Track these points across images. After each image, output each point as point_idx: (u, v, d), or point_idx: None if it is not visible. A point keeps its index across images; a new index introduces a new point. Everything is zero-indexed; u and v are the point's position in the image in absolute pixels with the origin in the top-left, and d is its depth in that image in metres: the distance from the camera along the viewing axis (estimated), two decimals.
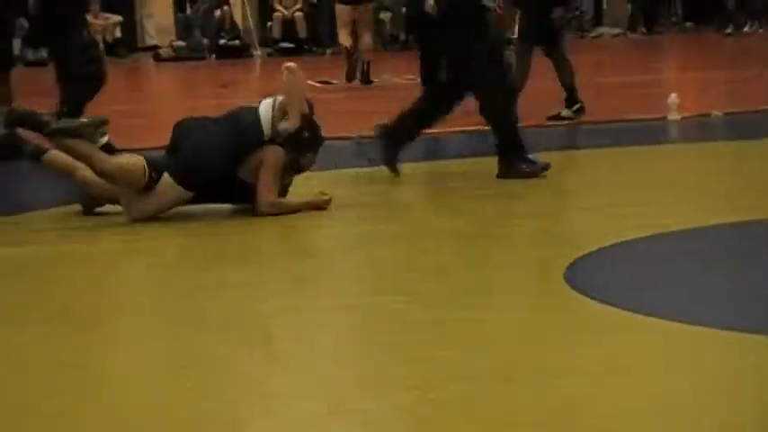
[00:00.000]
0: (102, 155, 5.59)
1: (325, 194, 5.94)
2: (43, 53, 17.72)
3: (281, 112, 5.85)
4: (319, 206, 5.89)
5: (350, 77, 12.78)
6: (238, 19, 18.97)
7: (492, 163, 6.63)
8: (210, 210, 5.88)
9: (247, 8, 19.01)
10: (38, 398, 3.34)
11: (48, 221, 5.85)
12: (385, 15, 17.93)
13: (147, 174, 5.60)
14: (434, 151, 8.10)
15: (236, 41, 18.44)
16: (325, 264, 5.01)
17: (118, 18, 18.70)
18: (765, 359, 3.43)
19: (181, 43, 18.52)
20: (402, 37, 17.96)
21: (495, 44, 6.79)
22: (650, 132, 8.38)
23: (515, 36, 9.57)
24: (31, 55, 17.37)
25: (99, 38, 18.44)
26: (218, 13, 18.50)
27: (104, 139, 5.62)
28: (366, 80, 12.82)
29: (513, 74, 8.58)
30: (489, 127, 6.71)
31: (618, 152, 7.56)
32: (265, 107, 5.86)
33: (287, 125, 5.81)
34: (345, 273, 4.86)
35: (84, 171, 5.71)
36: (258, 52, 18.49)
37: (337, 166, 7.11)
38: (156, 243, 5.39)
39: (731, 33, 18.20)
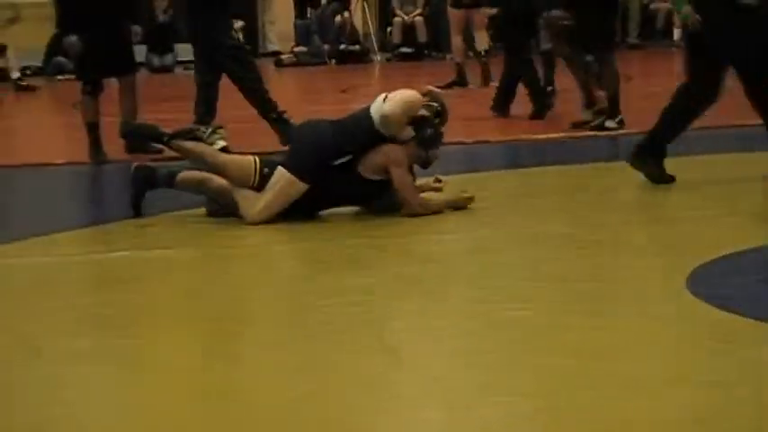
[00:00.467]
0: (214, 150, 5.77)
1: (465, 192, 6.00)
2: (168, 59, 18.11)
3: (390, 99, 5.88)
4: (460, 205, 5.95)
5: (485, 81, 12.73)
6: (358, 24, 19.08)
7: (613, 168, 6.57)
8: (326, 215, 5.93)
9: (367, 14, 19.11)
10: (171, 400, 3.41)
11: (171, 224, 5.96)
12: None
13: (258, 168, 5.72)
14: (564, 155, 8.04)
15: (356, 47, 18.54)
16: (444, 268, 5.01)
17: (240, 24, 18.94)
18: None
19: (302, 49, 18.71)
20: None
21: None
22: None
23: None
24: (156, 61, 17.75)
25: None
26: (338, 18, 18.63)
27: (221, 143, 5.73)
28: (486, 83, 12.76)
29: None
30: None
31: (734, 158, 7.41)
32: (377, 102, 5.91)
33: (391, 109, 5.83)
34: (464, 278, 4.85)
35: (216, 181, 5.84)
36: (378, 57, 18.57)
37: (468, 169, 7.13)
38: (272, 248, 5.46)
39: None
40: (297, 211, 5.77)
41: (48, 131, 11.44)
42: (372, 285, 4.65)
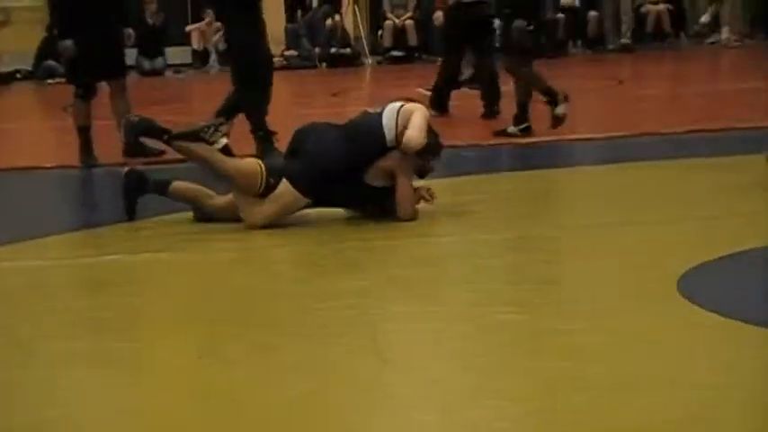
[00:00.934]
0: (220, 157, 5.71)
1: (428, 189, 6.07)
2: (158, 63, 18.13)
3: (405, 120, 5.91)
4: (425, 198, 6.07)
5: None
6: (349, 28, 19.12)
7: (599, 172, 6.61)
8: (322, 217, 5.97)
9: (358, 17, 19.14)
10: (167, 401, 3.44)
11: (164, 228, 5.99)
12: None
13: (263, 178, 5.71)
14: (559, 157, 8.09)
15: (347, 50, 18.58)
16: (438, 272, 5.05)
17: None
18: None
19: (292, 52, 18.73)
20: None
21: None
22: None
23: None
24: (147, 65, 17.78)
25: (211, 47, 18.81)
26: (329, 22, 18.67)
27: (224, 141, 5.71)
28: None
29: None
30: None
31: (736, 160, 7.45)
32: (389, 115, 5.93)
33: (418, 140, 5.86)
34: (458, 281, 4.89)
35: (212, 200, 5.87)
36: (369, 60, 18.60)
37: (455, 173, 7.17)
38: (268, 251, 5.48)
39: None
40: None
41: (38, 135, 11.46)
42: (367, 288, 4.69)
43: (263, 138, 8.37)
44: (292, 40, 19.30)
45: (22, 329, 4.31)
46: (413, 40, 18.41)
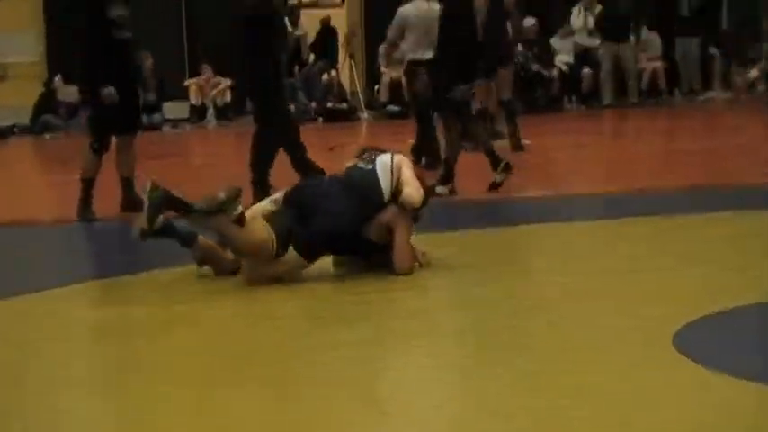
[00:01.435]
0: (234, 232, 5.64)
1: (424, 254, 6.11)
2: (156, 118, 18.22)
3: (398, 174, 5.97)
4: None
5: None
6: (345, 83, 19.25)
7: (610, 225, 6.63)
8: (323, 270, 6.00)
9: (354, 72, 19.28)
10: None
11: (162, 281, 6.01)
12: None
13: (275, 248, 5.72)
14: (554, 212, 8.13)
15: (344, 105, 18.70)
16: (432, 324, 5.07)
17: (228, 82, 19.07)
18: None
19: (289, 106, 18.84)
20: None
21: None
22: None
23: None
24: (144, 119, 17.83)
25: (209, 102, 18.92)
26: (325, 77, 18.80)
27: (239, 209, 5.70)
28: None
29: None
30: None
31: (738, 216, 7.47)
32: (383, 170, 5.98)
33: (418, 197, 5.95)
34: (452, 333, 4.92)
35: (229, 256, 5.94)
36: (365, 115, 18.72)
37: (449, 227, 7.21)
38: (269, 305, 5.50)
39: None
40: None
41: (35, 189, 11.49)
42: (365, 340, 4.71)
43: (259, 186, 8.50)
44: (289, 94, 19.40)
45: (17, 380, 4.32)
46: (409, 95, 18.50)
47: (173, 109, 18.62)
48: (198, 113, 18.96)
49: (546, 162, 11.47)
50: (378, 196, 5.93)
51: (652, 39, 18.26)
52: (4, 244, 7.93)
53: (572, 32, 18.29)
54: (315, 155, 9.24)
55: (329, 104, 18.58)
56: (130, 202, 8.42)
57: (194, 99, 19.00)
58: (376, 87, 19.04)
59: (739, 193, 8.40)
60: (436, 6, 9.50)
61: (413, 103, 10.94)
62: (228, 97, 19.12)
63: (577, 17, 18.23)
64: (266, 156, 8.75)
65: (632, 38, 17.80)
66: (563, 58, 18.05)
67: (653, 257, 6.23)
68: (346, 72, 19.45)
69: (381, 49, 9.83)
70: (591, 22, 18.05)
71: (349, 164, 6.13)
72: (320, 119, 18.20)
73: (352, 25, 19.81)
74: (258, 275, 5.75)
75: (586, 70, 18.00)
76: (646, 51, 18.17)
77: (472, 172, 10.18)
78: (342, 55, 19.38)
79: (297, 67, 19.84)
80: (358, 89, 19.23)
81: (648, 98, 18.10)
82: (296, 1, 19.48)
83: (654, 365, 4.18)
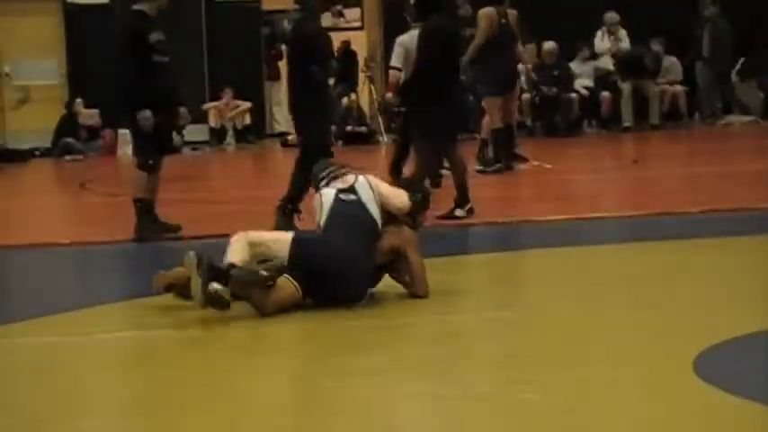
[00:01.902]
0: (270, 300, 5.56)
1: None
2: (176, 140, 18.23)
3: (378, 193, 5.94)
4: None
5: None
6: (365, 106, 19.23)
7: (617, 250, 6.57)
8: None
9: (374, 95, 19.25)
10: None
11: (174, 306, 5.93)
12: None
13: (301, 296, 5.65)
14: (577, 235, 8.06)
15: (363, 128, 18.66)
16: (450, 351, 4.99)
17: (248, 105, 19.14)
18: None
19: None
20: (528, 123, 17.96)
21: None
22: None
23: None
24: None
25: (229, 124, 18.95)
26: (345, 100, 18.78)
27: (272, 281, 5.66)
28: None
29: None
30: None
31: (752, 240, 7.39)
32: (367, 197, 5.89)
33: (405, 204, 5.95)
34: (470, 360, 4.83)
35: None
36: (384, 139, 18.67)
37: (460, 251, 7.14)
38: (280, 328, 5.43)
39: None
40: None
41: (55, 211, 11.48)
42: (381, 367, 4.63)
43: (288, 213, 8.46)
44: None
45: (29, 408, 4.26)
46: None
47: (193, 132, 18.64)
48: (217, 136, 19.01)
49: (565, 185, 11.40)
50: (375, 229, 5.86)
51: (672, 63, 18.19)
52: (17, 266, 7.89)
53: (593, 56, 18.22)
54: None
55: (349, 128, 18.54)
56: (145, 229, 8.38)
57: (214, 122, 19.08)
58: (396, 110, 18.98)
59: (759, 216, 8.30)
60: None
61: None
62: (248, 119, 19.17)
63: (601, 41, 18.16)
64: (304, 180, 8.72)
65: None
66: (583, 82, 17.98)
67: (673, 282, 6.15)
68: (366, 96, 19.43)
69: (388, 96, 9.87)
70: (617, 45, 17.98)
71: (325, 188, 5.99)
72: (340, 142, 18.15)
73: (372, 49, 19.81)
74: (269, 307, 5.63)
75: (606, 93, 17.93)
76: (665, 77, 18.12)
77: (489, 194, 10.11)
78: (361, 78, 19.37)
79: None
80: (377, 112, 19.20)
81: (668, 121, 18.02)
82: None
83: (674, 390, 4.10)
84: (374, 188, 5.97)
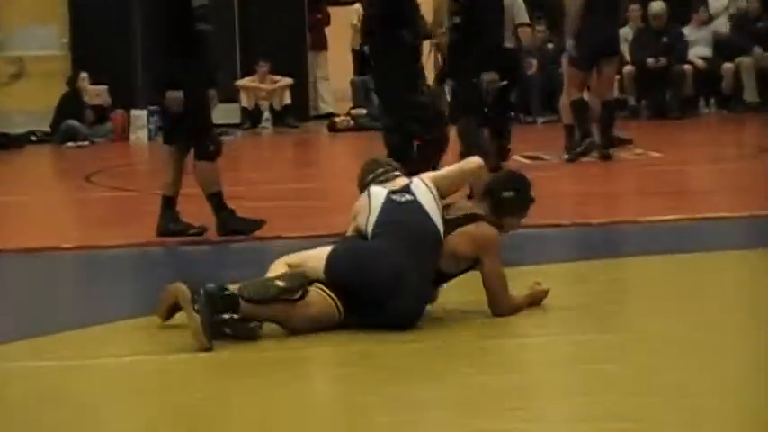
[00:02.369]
0: (297, 312, 5.60)
1: (539, 284, 6.04)
2: None
3: (440, 194, 5.94)
4: (537, 301, 6.04)
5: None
6: (431, 79, 19.20)
7: (734, 257, 6.54)
8: None
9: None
10: None
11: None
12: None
13: (341, 314, 5.68)
14: (689, 240, 8.04)
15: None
16: (531, 381, 5.01)
17: (288, 81, 19.12)
18: None
19: (361, 111, 18.84)
20: (631, 102, 17.87)
21: None
22: None
23: None
24: None
25: (265, 104, 19.00)
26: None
27: (301, 292, 5.69)
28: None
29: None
30: None
31: None
32: (427, 200, 5.87)
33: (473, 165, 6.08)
34: (556, 392, 4.85)
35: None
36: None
37: (547, 259, 7.15)
38: (319, 351, 5.47)
39: None
40: None
41: (55, 210, 11.62)
42: (446, 398, 4.66)
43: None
44: (361, 95, 19.43)
45: None
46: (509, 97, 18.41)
47: (222, 113, 18.71)
48: (251, 118, 19.03)
49: (676, 178, 11.36)
50: (435, 236, 5.80)
51: None
52: (13, 275, 8.00)
53: (710, 19, 18.09)
54: None
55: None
56: (168, 228, 8.48)
57: (247, 102, 19.07)
58: None
59: None
60: None
61: None
62: (288, 98, 19.15)
63: None
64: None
65: None
66: (699, 51, 17.85)
67: None
68: (431, 66, 19.42)
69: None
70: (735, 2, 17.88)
71: (374, 186, 6.01)
72: None
73: (439, 11, 19.78)
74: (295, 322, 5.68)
75: (728, 65, 17.75)
76: None
77: (582, 189, 10.10)
78: (426, 47, 19.35)
79: (372, 63, 19.86)
80: (446, 88, 19.16)
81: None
82: None
83: None
84: (431, 188, 5.94)
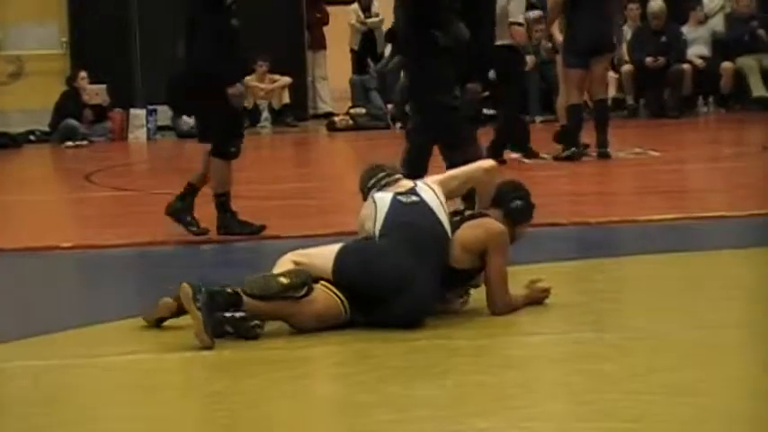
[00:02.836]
0: (302, 308, 5.63)
1: (539, 281, 6.08)
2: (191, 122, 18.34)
3: (440, 192, 5.97)
4: (539, 300, 6.06)
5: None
6: None
7: (735, 256, 6.56)
8: None
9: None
10: None
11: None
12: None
13: (347, 313, 5.70)
14: (689, 239, 8.05)
15: None
16: (530, 380, 5.02)
17: (287, 80, 19.14)
18: None
19: (360, 110, 18.84)
20: (629, 101, 17.90)
21: None
22: None
23: None
24: (184, 126, 17.94)
25: (264, 103, 19.01)
26: (404, 74, 18.80)
27: (306, 289, 5.69)
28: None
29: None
30: None
31: None
32: (432, 201, 5.90)
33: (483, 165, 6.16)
34: (555, 391, 4.86)
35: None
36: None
37: (546, 258, 7.16)
38: (323, 349, 5.48)
39: None
40: None
41: (54, 209, 11.62)
42: (447, 397, 4.67)
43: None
44: (360, 94, 19.44)
45: None
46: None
47: None
48: (250, 117, 19.02)
49: (675, 177, 11.37)
50: (443, 235, 5.84)
51: None
52: (12, 275, 8.01)
53: (705, 18, 18.09)
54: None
55: (409, 108, 18.57)
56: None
57: (246, 101, 19.05)
58: (468, 86, 18.96)
59: None
60: None
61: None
62: (287, 97, 19.17)
63: None
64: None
65: None
66: (698, 50, 17.85)
67: None
68: None
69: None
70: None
71: (378, 193, 6.00)
72: (398, 125, 18.12)
73: None
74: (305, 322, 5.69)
75: (727, 64, 17.75)
76: None
77: (581, 189, 10.11)
78: None
79: (370, 62, 19.89)
80: None
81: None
82: None
83: None
84: (436, 190, 5.96)
